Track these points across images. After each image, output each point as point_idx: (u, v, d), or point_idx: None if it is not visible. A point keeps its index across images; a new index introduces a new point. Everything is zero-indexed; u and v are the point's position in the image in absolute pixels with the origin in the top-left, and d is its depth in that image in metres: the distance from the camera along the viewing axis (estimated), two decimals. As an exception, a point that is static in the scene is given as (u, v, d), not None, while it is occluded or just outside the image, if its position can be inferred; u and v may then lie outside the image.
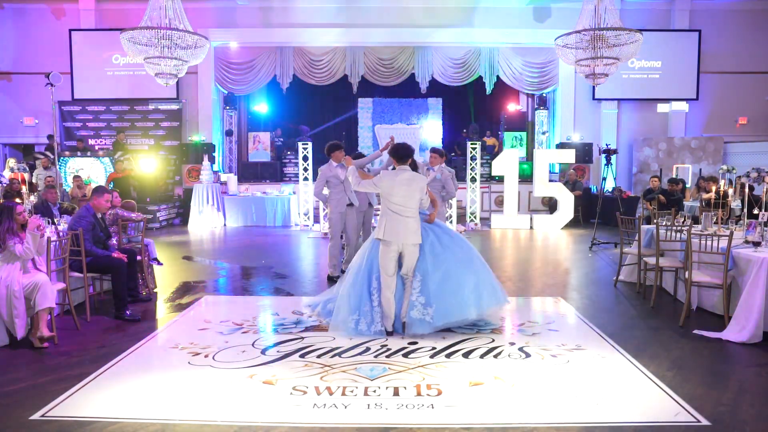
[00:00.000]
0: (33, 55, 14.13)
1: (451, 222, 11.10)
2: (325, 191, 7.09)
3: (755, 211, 6.59)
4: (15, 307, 4.35)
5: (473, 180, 12.15)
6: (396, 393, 3.61)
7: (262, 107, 15.32)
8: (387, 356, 4.25)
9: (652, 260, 5.95)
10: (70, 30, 13.93)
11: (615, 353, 4.35)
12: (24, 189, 8.84)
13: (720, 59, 14.18)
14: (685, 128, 14.38)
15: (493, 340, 4.64)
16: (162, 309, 5.78)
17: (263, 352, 4.37)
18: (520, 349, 4.45)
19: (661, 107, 14.40)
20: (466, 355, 4.31)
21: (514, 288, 6.65)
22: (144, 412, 3.36)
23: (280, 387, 3.71)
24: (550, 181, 12.65)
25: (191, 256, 8.92)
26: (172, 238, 10.95)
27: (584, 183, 13.68)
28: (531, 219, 12.32)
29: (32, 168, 12.02)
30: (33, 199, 7.93)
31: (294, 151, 13.87)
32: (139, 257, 6.02)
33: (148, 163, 12.59)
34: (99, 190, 5.73)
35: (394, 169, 4.80)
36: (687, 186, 11.69)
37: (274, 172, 14.09)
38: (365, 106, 15.39)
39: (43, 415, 3.31)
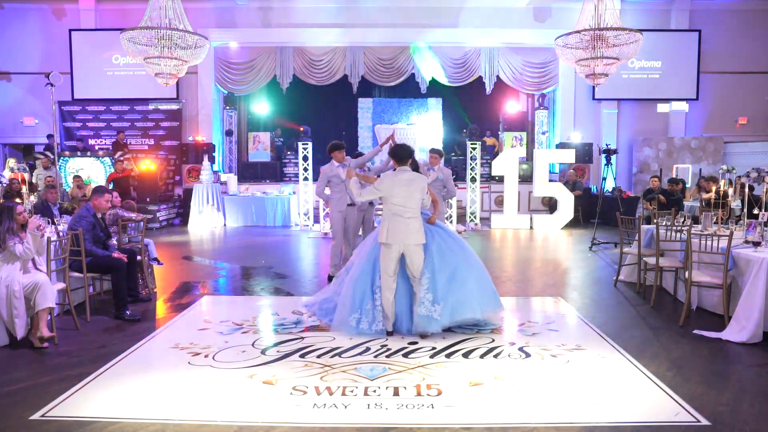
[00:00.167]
0: (33, 55, 14.14)
1: (451, 222, 11.10)
2: (327, 190, 7.10)
3: (755, 211, 6.59)
4: (15, 307, 4.36)
5: (473, 180, 12.15)
6: (396, 393, 3.61)
7: (262, 107, 15.33)
8: (387, 356, 4.25)
9: (652, 260, 5.95)
10: (70, 30, 13.93)
11: (615, 353, 4.35)
12: (24, 189, 8.83)
13: (720, 59, 14.18)
14: (685, 128, 14.38)
15: (493, 340, 4.64)
16: (162, 309, 5.78)
17: (263, 352, 4.37)
18: (520, 349, 4.45)
19: (661, 107, 14.41)
20: (466, 355, 4.31)
21: (514, 288, 6.66)
22: (144, 412, 3.36)
23: (280, 387, 3.71)
24: (550, 181, 12.65)
25: (191, 256, 8.92)
26: (172, 238, 10.95)
27: (584, 183, 13.68)
28: (531, 219, 12.33)
29: (32, 168, 12.02)
30: (33, 199, 7.92)
31: (294, 151, 13.87)
32: (139, 257, 6.02)
33: (148, 163, 12.60)
34: (99, 190, 5.73)
35: (394, 170, 4.81)
36: (687, 186, 11.69)
37: (274, 172, 14.09)
38: (365, 106, 15.38)
39: (43, 415, 3.31)
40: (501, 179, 12.60)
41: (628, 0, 13.97)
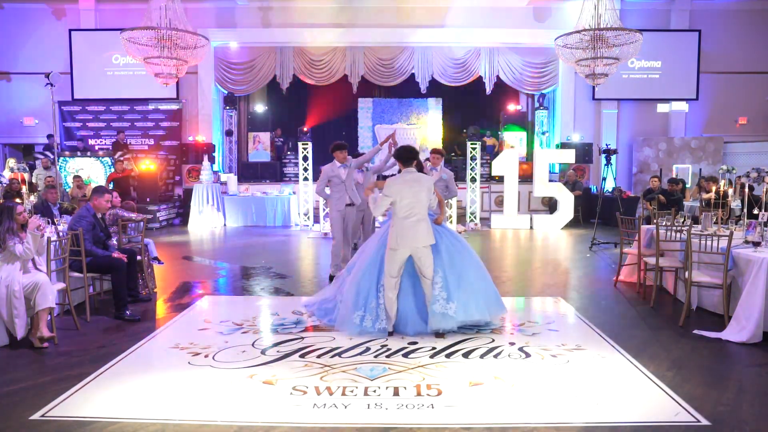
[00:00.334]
0: (33, 55, 14.13)
1: (451, 222, 11.10)
2: (327, 190, 7.10)
3: (755, 211, 6.59)
4: (15, 307, 4.35)
5: (473, 180, 12.15)
6: (396, 393, 3.61)
7: (262, 107, 15.32)
8: (387, 356, 4.25)
9: (652, 260, 5.95)
10: (70, 30, 13.94)
11: (615, 353, 4.35)
12: (24, 189, 8.84)
13: (720, 59, 14.19)
14: (685, 128, 14.38)
15: (493, 340, 4.64)
16: (162, 309, 5.77)
17: (263, 352, 4.37)
18: (520, 349, 4.45)
19: (661, 107, 14.41)
20: (466, 355, 4.31)
21: (514, 288, 6.66)
22: (144, 412, 3.36)
23: (280, 387, 3.70)
24: (550, 181, 12.65)
25: (191, 256, 8.92)
26: (172, 238, 10.95)
27: (584, 183, 13.68)
28: (531, 219, 12.32)
29: (32, 168, 12.03)
30: (33, 199, 7.93)
31: (294, 151, 13.87)
32: (139, 257, 6.02)
33: (148, 163, 12.60)
34: (99, 190, 5.73)
35: (399, 172, 4.82)
36: (687, 186, 11.69)
37: (274, 172, 14.09)
38: (365, 106, 15.37)
39: (43, 415, 3.31)
40: (501, 179, 12.60)
41: (628, 0, 13.98)
